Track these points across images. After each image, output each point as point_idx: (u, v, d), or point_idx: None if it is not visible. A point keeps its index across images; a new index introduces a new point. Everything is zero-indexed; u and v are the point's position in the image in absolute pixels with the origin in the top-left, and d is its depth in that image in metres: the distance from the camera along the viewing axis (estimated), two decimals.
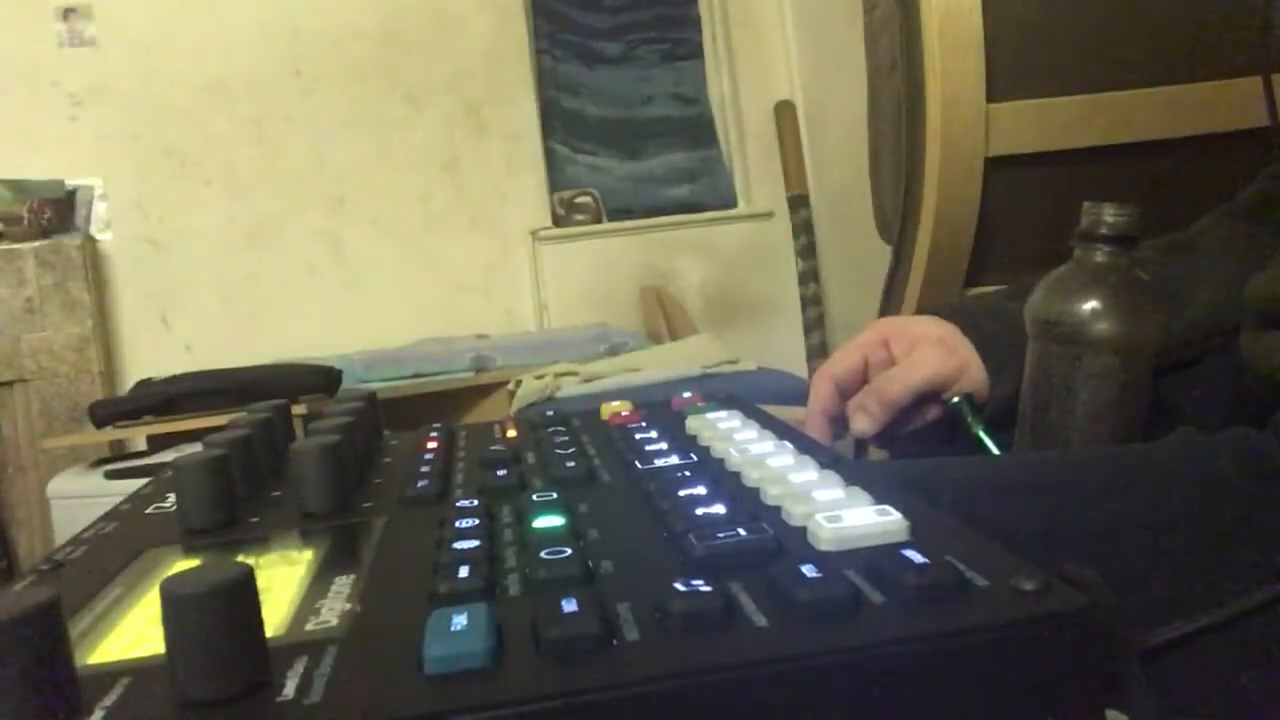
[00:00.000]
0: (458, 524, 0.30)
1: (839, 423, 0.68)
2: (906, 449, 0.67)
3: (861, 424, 0.66)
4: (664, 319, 2.50)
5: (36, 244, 2.14)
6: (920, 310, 0.73)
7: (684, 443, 0.41)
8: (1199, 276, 0.64)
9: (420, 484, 0.37)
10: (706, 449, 0.40)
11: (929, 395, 0.65)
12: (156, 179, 2.38)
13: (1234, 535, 0.42)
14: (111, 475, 1.65)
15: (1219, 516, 0.44)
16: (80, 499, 1.64)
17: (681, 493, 0.31)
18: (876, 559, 0.24)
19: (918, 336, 0.67)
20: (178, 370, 1.95)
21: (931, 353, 0.65)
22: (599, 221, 2.71)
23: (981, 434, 0.63)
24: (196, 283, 2.40)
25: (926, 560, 0.23)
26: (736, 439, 0.39)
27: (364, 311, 2.47)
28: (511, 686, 0.20)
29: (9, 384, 2.12)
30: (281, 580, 0.29)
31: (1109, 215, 0.55)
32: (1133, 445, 0.54)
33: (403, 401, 1.92)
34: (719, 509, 0.29)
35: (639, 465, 0.38)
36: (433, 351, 2.19)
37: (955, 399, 0.64)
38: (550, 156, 2.71)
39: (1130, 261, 0.55)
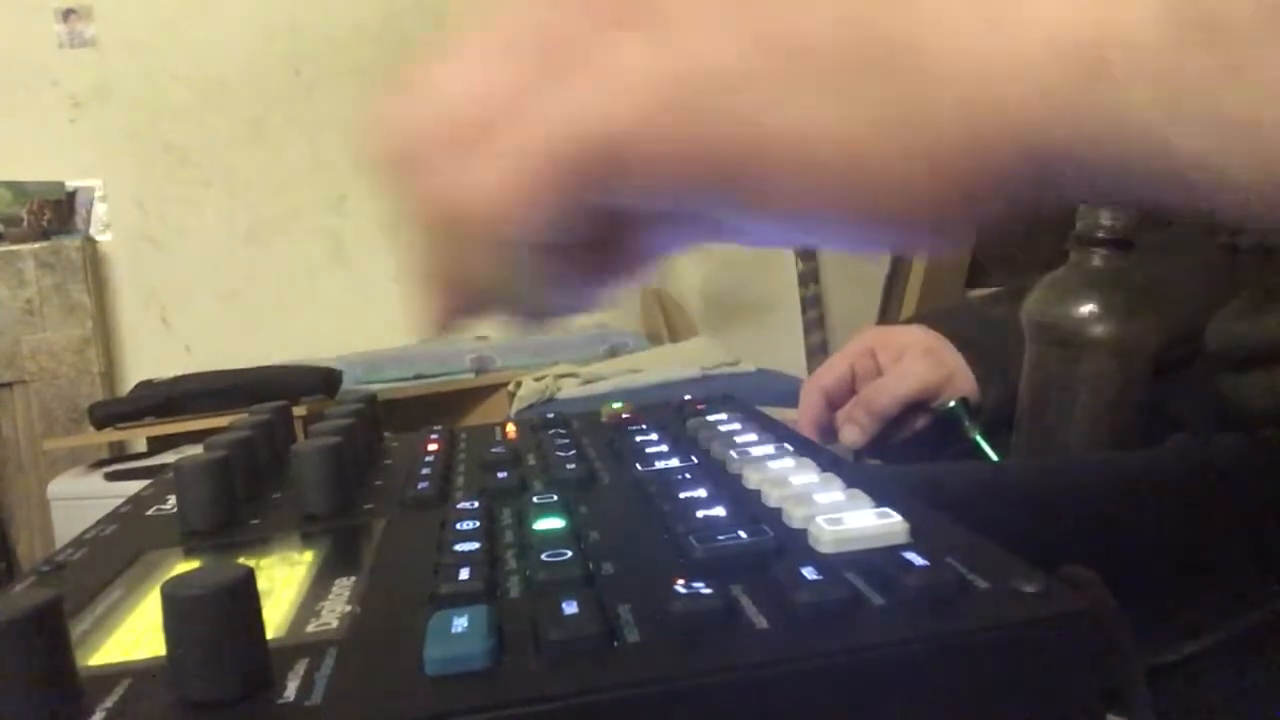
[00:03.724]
0: (458, 526, 0.30)
1: (828, 433, 0.68)
2: (899, 458, 0.68)
3: (851, 435, 0.66)
4: (664, 320, 2.50)
5: (36, 245, 2.14)
6: (910, 318, 0.73)
7: (684, 445, 0.41)
8: (1184, 275, 0.64)
9: (421, 486, 0.37)
10: (707, 451, 0.40)
11: (917, 404, 0.65)
12: (156, 179, 2.38)
13: (1233, 543, 0.42)
14: (112, 477, 1.65)
15: (1218, 524, 0.44)
16: (80, 500, 1.64)
17: (682, 495, 0.32)
18: (877, 561, 0.24)
19: (905, 346, 0.67)
20: (178, 371, 1.95)
21: (919, 362, 0.65)
22: None
23: (978, 438, 0.63)
24: (196, 283, 2.40)
25: (927, 562, 0.23)
26: (737, 441, 0.39)
27: (364, 312, 2.47)
28: (512, 688, 0.20)
29: (9, 385, 2.12)
30: (282, 582, 0.29)
31: (1105, 218, 0.55)
32: (1131, 452, 0.54)
33: (403, 402, 1.92)
34: (720, 511, 0.29)
35: (639, 467, 0.38)
36: (433, 352, 2.19)
37: (952, 403, 0.65)
38: None
39: (1126, 264, 0.55)
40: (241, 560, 0.29)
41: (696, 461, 0.38)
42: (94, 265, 2.25)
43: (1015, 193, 0.21)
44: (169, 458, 1.57)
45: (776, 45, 0.20)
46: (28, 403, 2.13)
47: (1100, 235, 0.55)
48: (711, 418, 0.45)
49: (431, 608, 0.24)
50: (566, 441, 0.43)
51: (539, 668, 0.21)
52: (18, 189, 2.22)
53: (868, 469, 0.63)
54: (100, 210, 2.35)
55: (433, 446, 0.45)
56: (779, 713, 0.20)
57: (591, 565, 0.26)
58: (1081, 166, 0.19)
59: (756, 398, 0.60)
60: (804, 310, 2.69)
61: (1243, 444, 0.50)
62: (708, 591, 0.23)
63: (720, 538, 0.27)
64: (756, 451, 0.37)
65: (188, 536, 0.34)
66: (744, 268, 2.74)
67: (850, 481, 0.32)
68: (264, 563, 0.31)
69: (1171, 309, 0.61)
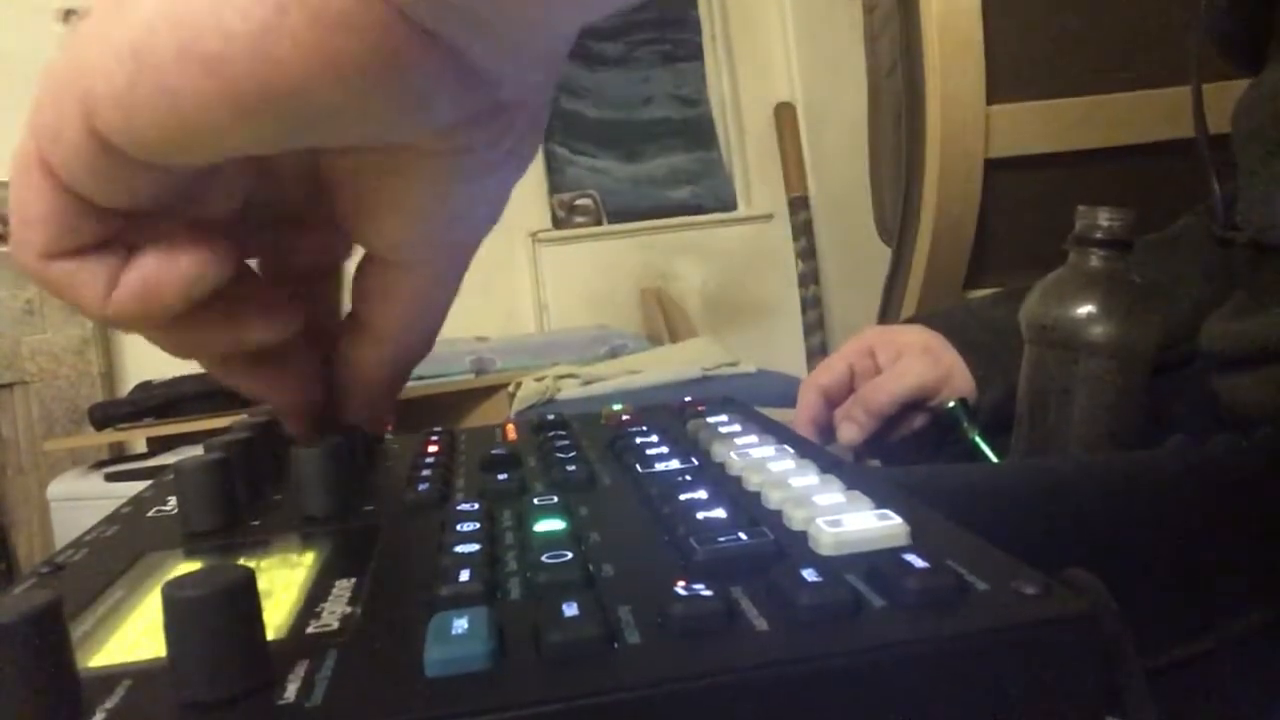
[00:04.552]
0: (458, 527, 0.30)
1: (827, 432, 0.68)
2: (899, 459, 0.68)
3: (849, 433, 0.66)
4: (664, 321, 2.50)
5: None
6: (909, 318, 0.73)
7: (685, 446, 0.41)
8: (1182, 276, 0.65)
9: (421, 487, 0.37)
10: (707, 453, 0.40)
11: (915, 403, 0.66)
12: None
13: (1232, 543, 0.42)
14: (112, 478, 1.65)
15: (1216, 524, 0.44)
16: (80, 501, 1.65)
17: (682, 496, 0.31)
18: (877, 563, 0.24)
19: (903, 345, 0.67)
20: (178, 372, 1.95)
21: (916, 361, 0.66)
22: (599, 223, 2.71)
23: (978, 439, 0.64)
24: None
25: (927, 564, 0.23)
26: (737, 443, 0.39)
27: None
28: (512, 690, 0.20)
29: (9, 386, 2.12)
30: (282, 583, 0.29)
31: (1104, 219, 0.55)
32: (1130, 454, 0.54)
33: (403, 403, 1.91)
34: (720, 513, 0.29)
35: (640, 469, 0.38)
36: (432, 353, 2.18)
37: (951, 403, 0.65)
38: (550, 158, 2.71)
39: (1125, 265, 0.55)
40: (242, 561, 0.29)
41: (697, 463, 0.38)
42: None
43: None
44: (169, 459, 1.57)
45: None
46: (28, 404, 2.13)
47: (1099, 236, 0.55)
48: (712, 419, 0.45)
49: (432, 609, 0.24)
50: (567, 443, 0.43)
51: (539, 669, 0.21)
52: None
53: (867, 470, 0.63)
54: None
55: (432, 448, 0.45)
56: (779, 715, 0.20)
57: (592, 567, 0.26)
58: None
59: (756, 399, 0.60)
60: (804, 311, 2.69)
61: (1241, 444, 0.50)
62: (708, 593, 0.23)
63: (720, 540, 0.27)
64: (757, 453, 0.37)
65: (188, 538, 0.34)
66: (744, 269, 2.74)
67: (850, 483, 0.32)
68: (264, 564, 0.31)
69: (1170, 309, 0.61)
